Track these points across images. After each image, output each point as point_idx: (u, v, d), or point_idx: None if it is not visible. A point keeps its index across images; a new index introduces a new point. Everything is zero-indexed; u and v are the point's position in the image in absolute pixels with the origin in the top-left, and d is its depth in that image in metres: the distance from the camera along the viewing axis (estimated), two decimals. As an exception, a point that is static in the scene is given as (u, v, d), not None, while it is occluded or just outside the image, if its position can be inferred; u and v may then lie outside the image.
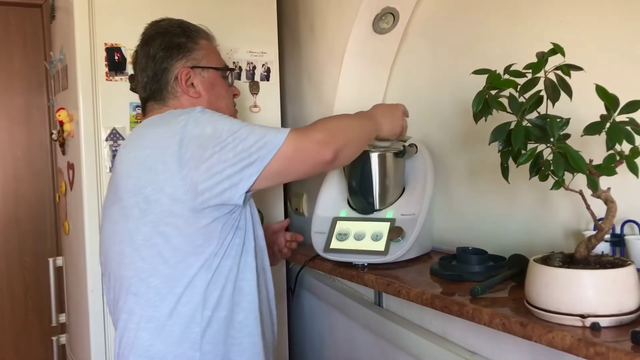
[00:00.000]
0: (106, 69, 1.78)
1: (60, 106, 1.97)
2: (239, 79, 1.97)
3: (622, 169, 0.95)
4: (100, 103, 1.77)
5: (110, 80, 1.78)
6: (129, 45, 1.80)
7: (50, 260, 2.20)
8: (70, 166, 1.92)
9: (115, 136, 1.79)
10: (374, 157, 1.62)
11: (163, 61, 1.35)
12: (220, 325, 1.25)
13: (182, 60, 1.35)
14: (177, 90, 1.35)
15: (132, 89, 1.80)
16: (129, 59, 1.80)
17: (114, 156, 1.79)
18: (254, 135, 1.18)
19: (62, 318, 2.26)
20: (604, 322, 0.93)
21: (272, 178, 1.22)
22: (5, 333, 2.77)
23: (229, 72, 1.46)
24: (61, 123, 1.91)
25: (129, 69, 1.80)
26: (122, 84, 1.79)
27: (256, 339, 1.31)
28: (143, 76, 1.37)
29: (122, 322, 1.29)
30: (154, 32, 1.38)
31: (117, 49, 1.78)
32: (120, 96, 1.79)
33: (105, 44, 1.77)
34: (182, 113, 1.23)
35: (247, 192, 1.21)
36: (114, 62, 1.78)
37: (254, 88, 2.00)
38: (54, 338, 2.32)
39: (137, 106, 1.81)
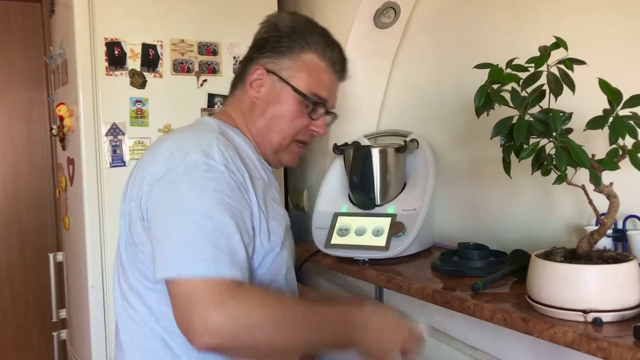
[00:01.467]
0: (106, 64, 1.77)
1: (60, 101, 1.96)
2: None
3: (625, 164, 0.95)
4: (100, 98, 1.77)
5: (110, 75, 1.78)
6: (129, 40, 1.79)
7: (51, 255, 2.20)
8: (71, 161, 1.91)
9: (115, 131, 1.78)
10: (375, 153, 1.62)
11: (255, 50, 1.18)
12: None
13: (267, 59, 1.15)
14: (246, 83, 1.17)
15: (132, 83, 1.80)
16: (129, 54, 1.79)
17: (114, 151, 1.78)
18: (183, 241, 0.92)
19: (63, 313, 2.26)
20: (606, 317, 0.93)
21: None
22: (5, 328, 2.77)
23: (311, 104, 1.15)
24: (61, 118, 1.90)
25: (129, 64, 1.80)
26: (122, 78, 1.78)
27: None
28: (245, 55, 1.22)
29: None
30: (268, 19, 1.20)
31: (117, 44, 1.78)
32: (120, 91, 1.79)
33: (105, 38, 1.76)
34: (187, 150, 1.00)
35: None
36: (114, 56, 1.77)
37: (255, 83, 1.99)
38: (55, 333, 2.32)
39: (137, 101, 1.81)
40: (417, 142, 1.65)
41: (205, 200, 0.95)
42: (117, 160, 1.79)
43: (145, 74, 1.81)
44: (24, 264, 2.79)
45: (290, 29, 1.15)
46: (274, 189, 1.18)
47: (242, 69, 1.19)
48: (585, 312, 0.94)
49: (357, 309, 1.04)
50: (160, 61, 1.83)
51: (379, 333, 1.03)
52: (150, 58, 1.82)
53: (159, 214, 0.98)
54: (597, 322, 0.93)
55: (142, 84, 1.81)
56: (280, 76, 1.14)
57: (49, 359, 2.47)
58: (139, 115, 1.80)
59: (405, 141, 1.64)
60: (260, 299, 0.93)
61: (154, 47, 1.82)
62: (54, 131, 2.02)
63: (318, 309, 1.00)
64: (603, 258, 0.99)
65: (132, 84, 1.80)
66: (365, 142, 1.77)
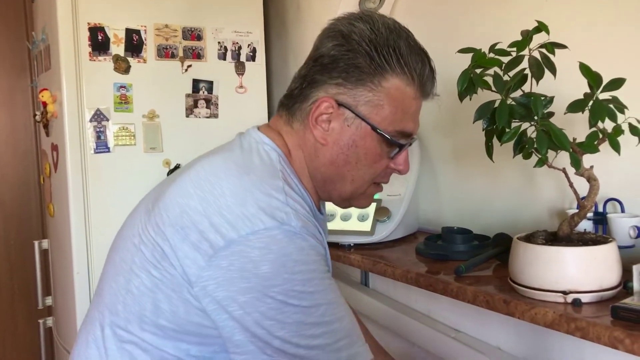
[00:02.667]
0: (89, 49, 1.76)
1: (43, 87, 1.94)
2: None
3: (605, 147, 0.96)
4: (84, 84, 1.76)
5: (94, 60, 1.76)
6: (113, 25, 1.78)
7: (36, 243, 2.19)
8: (55, 147, 1.90)
9: (99, 117, 1.77)
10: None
11: (320, 70, 0.92)
12: None
13: (337, 87, 0.90)
14: (308, 116, 0.92)
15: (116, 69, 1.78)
16: (112, 39, 1.78)
17: (98, 137, 1.78)
18: (310, 340, 0.78)
19: (49, 301, 2.26)
20: (585, 298, 0.94)
21: None
22: (-9, 316, 2.76)
23: (397, 145, 0.94)
24: (44, 104, 1.89)
25: (113, 49, 1.78)
26: (105, 64, 1.77)
27: None
28: (301, 68, 0.97)
29: None
30: (339, 30, 0.92)
31: (101, 29, 1.76)
32: (104, 77, 1.78)
33: (89, 23, 1.75)
34: (255, 215, 0.79)
35: None
36: (98, 42, 1.76)
37: (240, 69, 1.99)
38: (41, 321, 2.31)
39: (121, 86, 1.79)
40: (402, 127, 1.66)
41: (301, 282, 0.78)
42: (102, 146, 1.78)
43: (129, 59, 1.80)
44: (8, 251, 2.78)
45: (370, 46, 0.89)
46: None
47: (301, 91, 0.93)
48: (565, 293, 0.95)
49: None
50: (144, 46, 1.82)
51: None
52: (134, 43, 1.80)
53: (238, 300, 0.77)
54: (576, 303, 0.94)
55: (126, 70, 1.80)
56: (357, 113, 0.90)
57: (35, 346, 2.47)
58: (123, 101, 1.79)
59: (390, 126, 1.64)
60: None
61: (137, 32, 1.81)
62: (38, 117, 2.01)
63: None
64: (583, 240, 1.01)
65: (115, 69, 1.79)
66: (350, 127, 1.77)
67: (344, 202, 0.99)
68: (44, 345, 2.32)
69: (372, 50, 0.88)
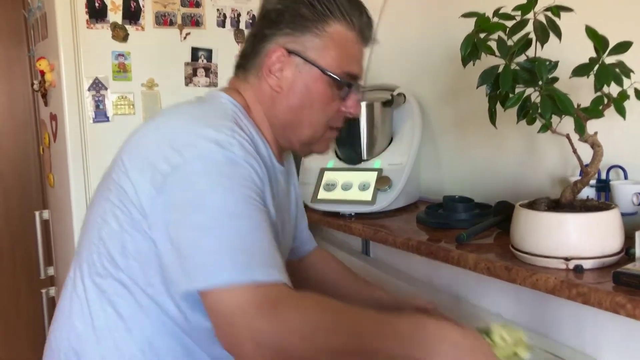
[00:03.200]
0: (87, 17, 1.73)
1: (40, 56, 1.92)
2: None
3: (609, 114, 0.95)
4: (82, 52, 1.73)
5: (91, 28, 1.74)
6: (110, -8, 1.75)
7: (37, 213, 2.19)
8: (53, 117, 1.89)
9: (97, 86, 1.75)
10: (362, 107, 1.60)
11: (268, 25, 0.99)
12: None
13: (285, 36, 0.97)
14: (262, 69, 0.98)
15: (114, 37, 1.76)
16: (109, 6, 1.75)
17: (97, 106, 1.76)
18: (211, 247, 0.79)
19: (51, 271, 2.27)
20: (587, 264, 0.94)
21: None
22: (-6, 286, 2.78)
23: (344, 85, 0.99)
24: (42, 73, 1.87)
25: (110, 17, 1.75)
26: (103, 32, 1.75)
27: None
28: (252, 29, 1.05)
29: None
30: None
31: (97, -5, 1.73)
32: (102, 45, 1.75)
33: (85, -10, 1.72)
34: (202, 144, 0.85)
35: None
36: (95, 9, 1.73)
37: (239, 36, 1.96)
38: (43, 291, 2.32)
39: (120, 55, 1.77)
40: (404, 96, 1.64)
41: (231, 199, 0.82)
42: (101, 115, 1.76)
43: (127, 27, 1.78)
44: (9, 222, 2.78)
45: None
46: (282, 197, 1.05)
47: (253, 47, 1.00)
48: (567, 259, 0.95)
49: (433, 321, 0.87)
50: (142, 13, 1.79)
51: (457, 354, 0.82)
52: (131, 10, 1.77)
53: (176, 214, 0.83)
54: (578, 269, 0.94)
55: (124, 37, 1.77)
56: (306, 57, 0.96)
57: (38, 316, 2.49)
58: (122, 70, 1.77)
59: (392, 95, 1.62)
60: (313, 303, 0.81)
61: (135, -1, 1.78)
62: (36, 86, 1.99)
63: (382, 315, 0.83)
64: (586, 207, 1.01)
65: (113, 37, 1.76)
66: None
67: (305, 148, 1.05)
68: (47, 314, 2.34)
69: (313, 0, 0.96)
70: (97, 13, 1.73)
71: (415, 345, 0.81)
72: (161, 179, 0.84)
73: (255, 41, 1.00)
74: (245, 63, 1.02)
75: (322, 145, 1.06)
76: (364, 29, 1.00)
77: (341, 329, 0.79)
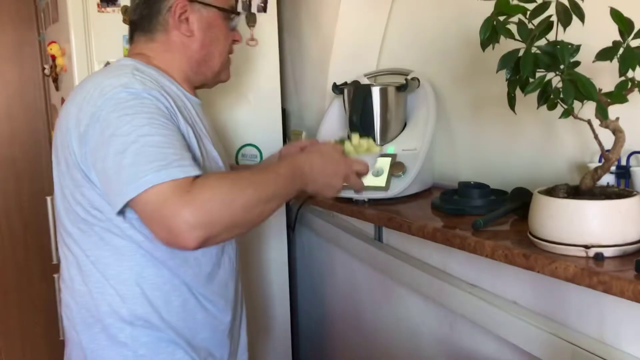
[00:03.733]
0: (97, 0, 1.71)
1: (51, 40, 1.91)
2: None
3: (633, 97, 0.93)
4: (93, 36, 1.72)
5: (103, 11, 1.72)
6: (121, -25, 1.73)
7: (48, 198, 2.19)
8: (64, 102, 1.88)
9: (109, 70, 1.74)
10: (376, 91, 1.59)
11: None
12: None
13: None
14: (168, 22, 1.19)
15: (125, 21, 1.74)
16: (121, -11, 1.73)
17: (108, 91, 1.75)
18: (131, 162, 0.96)
19: (63, 255, 2.28)
20: (607, 252, 0.93)
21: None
22: (6, 271, 2.80)
23: (233, 15, 1.29)
24: (53, 57, 1.86)
25: (122, 0, 1.74)
26: (114, 15, 1.73)
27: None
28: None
29: None
30: None
31: (108, -21, 1.72)
32: (113, 29, 1.74)
33: (96, -27, 1.70)
34: (103, 95, 1.04)
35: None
36: (106, -8, 1.72)
37: (251, 20, 1.94)
38: (55, 275, 2.34)
39: (131, 39, 1.76)
40: (419, 80, 1.62)
41: (139, 123, 0.99)
42: (112, 100, 1.75)
43: (138, 10, 1.76)
44: (21, 207, 2.79)
45: None
46: (208, 127, 1.26)
47: (150, 10, 1.20)
48: (587, 247, 0.94)
49: (299, 157, 1.17)
50: (153, -3, 1.77)
51: (323, 169, 1.16)
52: (142, -6, 1.75)
53: (99, 151, 1.01)
54: (598, 257, 0.93)
55: (135, 21, 1.76)
56: (203, 1, 1.20)
57: (50, 300, 2.50)
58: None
59: (406, 79, 1.60)
60: (219, 180, 1.01)
61: (146, -18, 1.76)
62: (47, 71, 1.98)
63: (268, 171, 1.09)
64: (606, 194, 0.99)
65: (124, 21, 1.74)
66: (365, 81, 1.74)
67: (215, 78, 1.29)
68: (59, 298, 2.35)
69: None
70: (108, -4, 1.72)
71: (297, 180, 1.11)
72: (84, 129, 1.04)
73: (149, 4, 1.20)
74: (146, 25, 1.21)
75: (227, 73, 1.32)
76: None
77: (244, 188, 1.00)
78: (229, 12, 1.26)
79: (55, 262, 2.24)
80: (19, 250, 2.81)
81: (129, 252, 1.12)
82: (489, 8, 1.03)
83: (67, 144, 1.08)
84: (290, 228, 2.22)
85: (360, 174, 1.26)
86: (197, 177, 0.98)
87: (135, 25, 1.24)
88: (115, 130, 0.99)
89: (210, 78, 1.28)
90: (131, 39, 1.26)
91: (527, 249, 1.02)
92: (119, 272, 1.13)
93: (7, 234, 2.79)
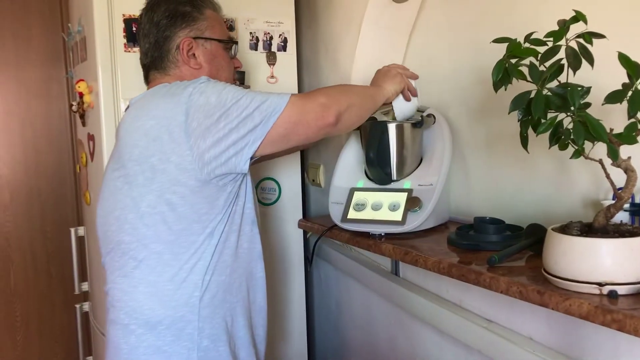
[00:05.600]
0: (124, 40, 1.78)
1: (79, 78, 1.98)
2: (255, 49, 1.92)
3: (643, 138, 0.95)
4: (119, 74, 1.79)
5: (129, 51, 1.79)
6: (147, 16, 1.81)
7: (72, 230, 2.25)
8: (91, 137, 1.94)
9: (134, 107, 1.80)
10: (392, 128, 1.62)
11: (166, 29, 1.36)
12: (219, 289, 1.32)
13: (185, 30, 1.37)
14: (178, 59, 1.37)
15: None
16: (146, 30, 1.81)
17: (133, 127, 1.81)
18: (256, 101, 1.22)
19: (85, 286, 2.32)
20: (621, 290, 0.94)
21: (276, 143, 1.26)
22: (29, 301, 2.84)
23: (231, 44, 1.47)
24: (81, 94, 1.93)
25: (147, 40, 1.81)
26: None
27: (247, 303, 1.40)
28: (145, 42, 1.39)
29: (117, 284, 1.34)
30: (152, 8, 1.39)
31: (135, 20, 1.78)
32: (138, 67, 1.78)
33: (124, 15, 1.78)
34: (187, 85, 1.24)
35: (251, 157, 1.25)
36: (132, 33, 1.79)
37: (271, 59, 2.00)
38: (77, 306, 2.38)
39: (156, 77, 1.82)
40: (434, 117, 1.66)
41: (233, 87, 1.25)
42: (137, 136, 1.81)
43: (163, 50, 1.82)
44: (45, 237, 2.85)
45: (187, 1, 1.38)
46: None
47: (160, 50, 1.37)
48: (600, 284, 0.95)
49: (372, 82, 1.58)
50: (177, 37, 1.84)
51: (385, 78, 1.55)
52: (167, 34, 1.82)
53: (216, 118, 1.20)
54: (612, 295, 0.94)
55: (160, 60, 1.82)
56: (205, 37, 1.39)
57: (72, 330, 2.54)
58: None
59: (422, 116, 1.64)
60: (322, 90, 1.36)
61: (171, 23, 1.83)
62: (74, 108, 2.05)
63: (365, 88, 1.53)
64: (619, 232, 1.00)
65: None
66: (381, 117, 1.78)
67: None
68: (80, 329, 2.39)
69: (191, 2, 1.39)
70: (134, 37, 1.79)
71: (379, 93, 1.51)
72: (184, 118, 1.21)
73: (158, 45, 1.37)
74: (159, 63, 1.39)
75: None
76: (218, 8, 1.46)
77: (350, 87, 1.56)
78: (228, 43, 1.45)
79: (77, 292, 2.28)
80: (41, 280, 2.86)
81: (209, 244, 1.30)
82: (501, 49, 1.07)
83: (152, 153, 1.23)
84: (308, 261, 2.24)
85: (408, 75, 1.60)
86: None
87: (149, 67, 1.41)
88: (220, 99, 1.21)
89: None
90: (146, 78, 1.44)
91: (542, 286, 1.03)
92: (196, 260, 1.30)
93: (31, 264, 2.85)
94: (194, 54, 1.38)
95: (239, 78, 1.93)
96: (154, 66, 1.40)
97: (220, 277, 1.32)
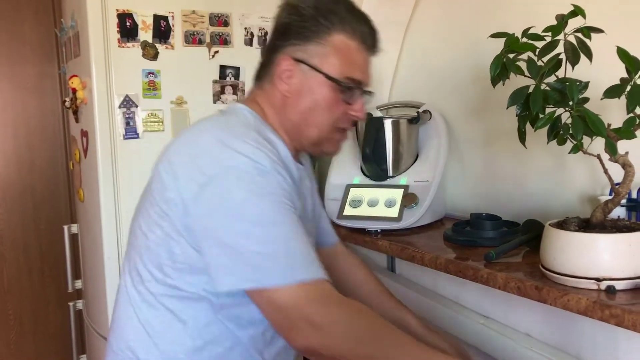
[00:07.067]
0: (118, 36, 1.77)
1: (72, 73, 1.97)
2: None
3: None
4: (113, 70, 1.77)
5: (123, 47, 1.78)
6: (141, 12, 1.79)
7: (65, 227, 2.23)
8: (84, 134, 1.93)
9: (128, 103, 1.79)
10: (388, 124, 1.62)
11: (278, 37, 1.09)
12: None
13: (292, 46, 1.06)
14: (274, 77, 1.08)
15: (144, 55, 1.79)
16: (140, 25, 1.79)
17: (127, 123, 1.79)
18: (269, 245, 0.91)
19: (78, 284, 2.30)
20: (619, 285, 0.94)
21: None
22: (23, 299, 2.82)
23: (351, 88, 1.07)
24: (74, 90, 1.91)
25: (141, 36, 1.79)
26: (134, 50, 1.79)
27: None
28: (265, 45, 1.16)
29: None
30: (288, 3, 1.09)
31: (129, 15, 1.77)
32: (132, 63, 1.79)
33: (117, 10, 1.76)
34: (219, 158, 0.95)
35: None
36: (126, 28, 1.77)
37: (266, 54, 1.98)
38: (71, 303, 2.36)
39: (150, 73, 1.81)
40: (430, 113, 1.65)
41: (267, 207, 0.92)
42: (131, 132, 1.80)
43: (157, 45, 1.81)
44: (38, 235, 2.83)
45: (314, 10, 1.05)
46: (307, 194, 1.17)
47: (267, 58, 1.10)
48: (598, 280, 0.95)
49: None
50: (171, 33, 1.83)
51: None
52: (161, 29, 1.81)
53: (221, 225, 0.93)
54: (610, 290, 0.94)
55: (154, 56, 1.81)
56: (310, 64, 1.05)
57: (65, 328, 2.52)
58: (152, 87, 1.81)
59: (418, 112, 1.63)
60: (356, 308, 0.94)
61: (165, 18, 1.82)
62: (67, 104, 2.03)
63: (413, 343, 0.93)
64: (617, 227, 1.00)
65: (144, 55, 1.80)
66: (377, 113, 1.77)
67: (315, 148, 1.13)
68: (74, 327, 2.37)
69: (316, 13, 1.05)
70: (128, 32, 1.77)
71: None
72: (198, 189, 0.93)
73: (268, 53, 1.10)
74: (261, 73, 1.12)
75: (332, 146, 1.14)
76: (365, 38, 1.08)
77: (378, 341, 0.90)
78: (341, 84, 1.06)
79: (70, 290, 2.27)
80: (35, 278, 2.84)
81: (199, 306, 1.02)
82: (499, 44, 1.06)
83: (166, 186, 0.98)
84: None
85: None
86: (326, 280, 0.92)
87: (257, 70, 1.15)
88: (241, 210, 0.92)
89: (307, 147, 1.12)
90: (254, 79, 1.16)
91: (540, 282, 1.03)
92: (180, 321, 1.03)
93: (24, 262, 2.82)
94: (289, 77, 1.06)
95: (234, 74, 1.92)
96: (260, 71, 1.13)
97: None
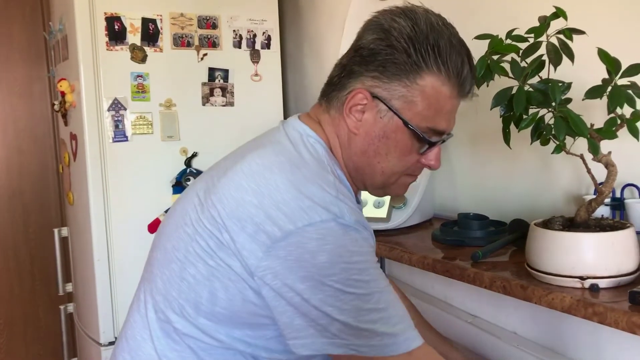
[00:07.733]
0: (106, 39, 1.77)
1: (61, 77, 1.97)
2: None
3: (623, 133, 0.96)
4: (102, 73, 1.77)
5: (111, 50, 1.78)
6: (129, 15, 1.79)
7: (55, 230, 2.23)
8: (73, 137, 1.93)
9: (117, 106, 1.79)
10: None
11: (359, 62, 0.92)
12: None
13: (372, 79, 0.91)
14: (344, 106, 0.93)
15: (132, 58, 1.79)
16: (129, 28, 1.79)
17: (116, 126, 1.80)
18: (348, 322, 0.81)
19: (69, 287, 2.30)
20: (602, 283, 0.95)
21: None
22: (13, 302, 2.81)
23: (425, 142, 0.94)
24: (63, 94, 1.91)
25: (130, 39, 1.80)
26: (122, 53, 1.79)
27: None
28: (343, 57, 0.97)
29: None
30: (381, 24, 0.93)
31: (117, 18, 1.78)
32: (121, 66, 1.79)
33: (105, 13, 1.76)
34: (315, 215, 0.81)
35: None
36: (114, 31, 1.78)
37: (255, 57, 1.99)
38: (62, 307, 2.36)
39: (138, 76, 1.81)
40: (418, 114, 1.66)
41: (355, 271, 0.82)
42: (120, 135, 1.80)
43: (146, 48, 1.82)
44: (28, 239, 2.82)
45: (408, 42, 0.88)
46: None
47: (339, 79, 0.94)
48: (582, 278, 0.96)
49: None
50: (160, 35, 1.83)
51: None
52: (150, 32, 1.82)
53: (302, 288, 0.80)
54: (593, 288, 0.95)
55: (143, 59, 1.81)
56: (390, 106, 0.90)
57: (56, 332, 2.52)
58: (140, 90, 1.81)
59: (405, 113, 1.64)
60: None
61: (153, 21, 1.82)
62: (56, 107, 2.03)
63: None
64: (601, 226, 1.01)
65: (132, 58, 1.80)
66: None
67: (378, 191, 1.02)
68: (64, 330, 2.37)
69: (409, 47, 0.88)
70: (116, 35, 1.78)
71: None
72: (269, 242, 0.81)
73: (342, 73, 0.94)
74: (329, 92, 0.97)
75: (397, 189, 1.01)
76: (463, 83, 0.92)
77: None
78: (418, 134, 0.92)
79: (61, 293, 2.26)
80: (25, 282, 2.84)
81: (224, 353, 0.90)
82: (484, 45, 1.07)
83: (227, 228, 0.84)
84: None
85: None
86: (426, 344, 0.88)
87: (325, 85, 0.99)
88: (325, 272, 0.80)
89: (369, 189, 1.01)
90: (320, 94, 1.01)
91: (525, 280, 1.04)
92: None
93: (14, 265, 2.81)
94: (361, 112, 0.92)
95: (223, 77, 1.93)
96: (326, 91, 0.98)
97: None
